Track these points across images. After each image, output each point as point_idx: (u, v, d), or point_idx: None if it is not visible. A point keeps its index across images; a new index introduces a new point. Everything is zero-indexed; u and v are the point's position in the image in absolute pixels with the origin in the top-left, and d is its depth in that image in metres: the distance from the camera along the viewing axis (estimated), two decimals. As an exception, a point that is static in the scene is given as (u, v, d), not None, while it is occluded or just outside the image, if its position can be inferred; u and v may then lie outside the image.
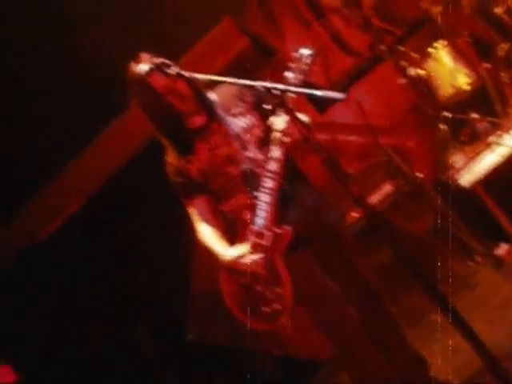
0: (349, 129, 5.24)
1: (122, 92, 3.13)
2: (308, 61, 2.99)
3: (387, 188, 4.69)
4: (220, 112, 3.19)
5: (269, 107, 2.75)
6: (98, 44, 5.14)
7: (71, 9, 5.04)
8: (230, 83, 2.75)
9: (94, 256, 5.26)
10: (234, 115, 3.19)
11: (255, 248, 2.98)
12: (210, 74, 5.28)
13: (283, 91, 2.57)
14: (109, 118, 5.26)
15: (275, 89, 2.55)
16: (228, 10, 5.48)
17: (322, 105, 5.28)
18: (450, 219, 4.68)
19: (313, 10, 5.42)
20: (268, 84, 2.57)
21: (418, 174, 4.68)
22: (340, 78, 5.38)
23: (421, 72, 4.59)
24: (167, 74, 2.93)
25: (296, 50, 3.02)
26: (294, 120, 2.72)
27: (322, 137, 5.21)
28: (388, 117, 5.23)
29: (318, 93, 2.43)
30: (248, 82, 2.65)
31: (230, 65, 5.40)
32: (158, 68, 2.94)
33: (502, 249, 4.49)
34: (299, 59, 2.99)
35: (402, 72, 4.71)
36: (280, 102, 2.64)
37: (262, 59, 5.48)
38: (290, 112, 2.71)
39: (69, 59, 5.08)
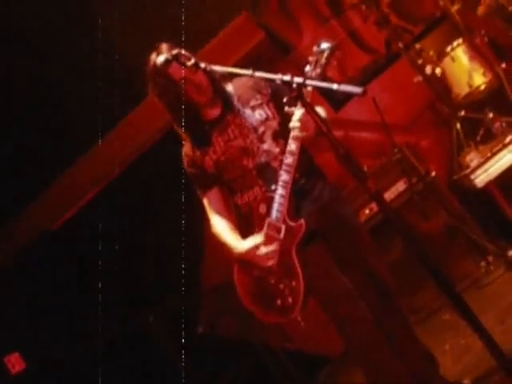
0: (364, 126, 5.23)
1: (142, 82, 3.15)
2: (327, 55, 2.99)
3: (401, 186, 4.68)
4: (237, 104, 3.21)
5: (286, 100, 2.74)
6: (118, 34, 5.16)
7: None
8: (248, 75, 2.74)
9: (107, 246, 5.27)
10: (251, 107, 3.20)
11: (269, 240, 2.98)
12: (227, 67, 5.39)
13: (301, 84, 2.57)
14: (128, 107, 5.28)
15: (293, 82, 2.55)
16: (246, 5, 5.48)
17: (337, 102, 5.29)
18: (464, 219, 4.68)
19: (331, 6, 5.41)
20: (286, 77, 2.58)
21: (432, 173, 4.67)
22: (356, 74, 5.37)
23: (437, 70, 4.57)
24: (185, 65, 2.94)
25: (315, 44, 3.01)
26: (311, 113, 2.72)
27: (336, 134, 5.22)
28: (403, 115, 5.22)
29: (336, 86, 2.42)
30: (266, 75, 2.66)
31: (247, 59, 5.41)
32: (177, 59, 2.95)
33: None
34: (319, 53, 2.99)
35: (419, 70, 4.69)
36: (298, 96, 2.63)
37: (279, 54, 5.49)
38: (307, 105, 2.70)
39: (88, 48, 5.09)
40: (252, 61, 5.38)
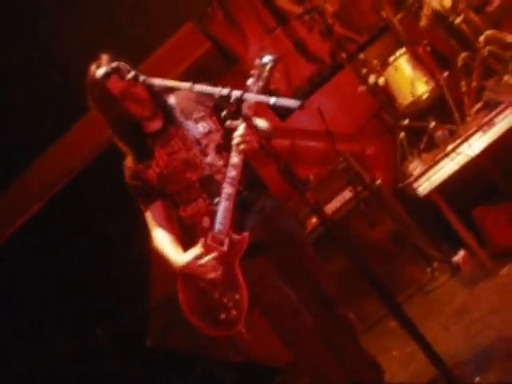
0: (310, 135, 5.26)
1: (83, 93, 3.11)
2: (269, 67, 2.99)
3: (346, 194, 4.72)
4: (179, 116, 3.19)
5: (225, 114, 2.73)
6: (59, 45, 5.10)
7: (32, 8, 4.97)
8: (188, 88, 2.72)
9: (51, 261, 5.20)
10: (194, 120, 3.18)
11: (209, 250, 2.98)
12: (173, 77, 5.34)
13: (239, 98, 2.56)
14: (71, 119, 5.21)
15: (232, 96, 2.55)
16: (192, 15, 5.47)
17: (284, 111, 5.30)
18: (409, 226, 4.74)
19: (275, 16, 5.43)
20: (225, 90, 2.57)
21: (377, 181, 4.72)
22: (302, 84, 5.40)
23: (381, 80, 4.62)
24: (124, 78, 2.91)
25: (258, 57, 3.01)
26: (250, 127, 2.72)
27: (283, 142, 5.25)
28: (348, 124, 5.27)
29: (274, 100, 2.42)
30: (205, 88, 2.64)
31: (193, 69, 5.40)
32: (116, 72, 2.91)
33: (459, 256, 4.55)
34: (260, 66, 2.99)
35: (362, 80, 4.74)
36: (237, 110, 2.63)
37: (225, 64, 5.49)
38: (246, 119, 2.70)
39: (31, 58, 5.03)
40: (199, 70, 5.37)
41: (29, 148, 5.14)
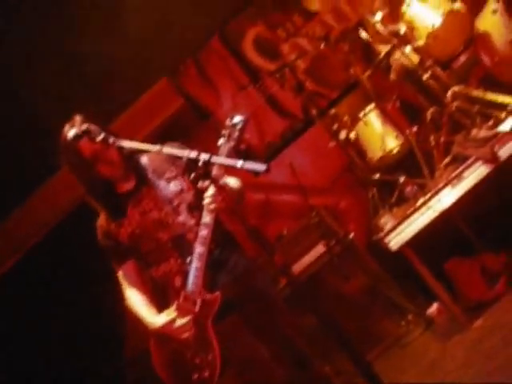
0: (283, 189, 5.31)
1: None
2: (240, 127, 3.03)
3: (320, 249, 4.74)
4: (151, 176, 3.22)
5: (193, 177, 2.77)
6: (35, 100, 5.13)
7: (7, 58, 5.00)
8: (157, 151, 2.76)
9: (24, 317, 5.16)
10: (166, 179, 3.21)
11: (183, 312, 2.97)
12: (147, 132, 5.40)
13: (206, 162, 2.60)
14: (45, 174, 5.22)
15: (199, 159, 2.58)
16: (165, 71, 5.55)
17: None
18: (383, 279, 4.76)
19: (248, 73, 5.52)
20: (193, 153, 2.60)
21: (350, 235, 4.75)
22: (275, 139, 5.47)
23: (351, 135, 4.69)
24: (95, 140, 2.93)
25: (229, 117, 3.06)
26: (220, 188, 2.75)
27: (256, 197, 5.28)
28: (321, 178, 5.33)
29: (241, 164, 2.46)
30: (174, 151, 2.68)
31: (166, 125, 5.45)
32: (86, 134, 2.95)
33: (433, 308, 4.57)
34: (231, 126, 3.03)
35: (334, 135, 4.81)
36: (205, 172, 2.67)
37: (198, 120, 5.55)
38: (215, 181, 2.74)
39: (5, 111, 5.04)
40: (172, 125, 5.43)
41: (7, 200, 5.13)
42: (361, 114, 4.68)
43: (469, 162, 4.15)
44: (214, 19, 5.53)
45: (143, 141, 5.29)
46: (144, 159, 3.25)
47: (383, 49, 4.73)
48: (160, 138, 5.25)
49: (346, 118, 4.79)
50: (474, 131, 4.33)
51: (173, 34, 5.39)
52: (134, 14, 5.28)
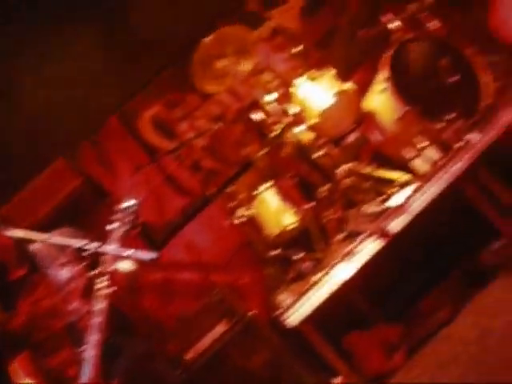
0: (183, 268, 5.29)
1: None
2: (132, 211, 3.04)
3: (222, 327, 4.71)
4: (44, 263, 3.16)
5: (86, 263, 2.75)
6: None
7: None
8: (44, 240, 2.73)
9: None
10: (58, 266, 3.16)
11: None
12: (43, 213, 5.28)
13: (95, 251, 2.59)
14: None
15: (89, 249, 2.57)
16: (62, 150, 5.51)
17: (158, 243, 5.33)
18: (285, 355, 4.77)
19: (147, 152, 5.56)
20: (82, 243, 2.59)
21: (250, 312, 4.75)
22: (174, 216, 5.48)
23: (248, 212, 4.75)
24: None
25: (121, 201, 3.06)
26: (110, 275, 2.74)
27: (157, 276, 5.24)
28: (221, 255, 5.35)
29: (130, 253, 2.46)
30: (62, 241, 2.66)
31: (64, 204, 5.37)
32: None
33: (337, 381, 4.59)
34: (123, 211, 3.03)
35: (231, 212, 4.86)
36: (95, 260, 2.65)
37: (97, 199, 5.50)
38: (105, 268, 2.72)
39: None
40: (71, 205, 5.35)
41: None
42: (257, 192, 4.76)
43: (361, 237, 4.28)
44: (114, 98, 5.56)
45: (41, 220, 5.27)
46: (35, 246, 3.20)
47: (277, 127, 4.88)
48: (59, 217, 5.21)
49: (243, 195, 4.86)
50: (365, 207, 4.49)
51: (71, 112, 5.38)
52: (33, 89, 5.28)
